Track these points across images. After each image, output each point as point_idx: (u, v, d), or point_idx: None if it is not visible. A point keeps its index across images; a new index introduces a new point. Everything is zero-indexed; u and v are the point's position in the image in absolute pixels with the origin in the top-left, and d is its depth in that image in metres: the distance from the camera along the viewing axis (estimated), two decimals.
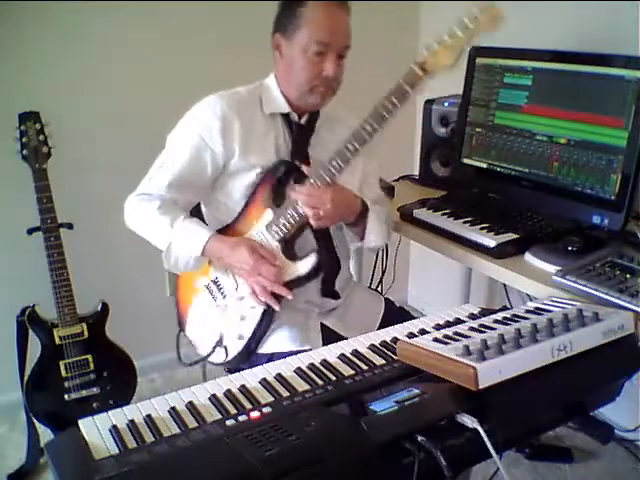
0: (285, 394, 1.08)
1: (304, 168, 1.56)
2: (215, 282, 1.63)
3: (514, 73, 1.88)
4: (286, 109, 1.60)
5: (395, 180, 2.33)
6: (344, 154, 1.49)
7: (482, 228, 1.73)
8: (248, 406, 1.06)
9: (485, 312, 1.36)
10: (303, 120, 1.63)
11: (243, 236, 1.59)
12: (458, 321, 1.31)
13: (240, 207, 1.61)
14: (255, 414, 1.00)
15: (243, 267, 1.53)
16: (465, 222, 1.77)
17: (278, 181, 1.57)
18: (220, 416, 1.03)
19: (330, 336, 1.57)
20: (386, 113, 1.47)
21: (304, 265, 1.55)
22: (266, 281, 1.51)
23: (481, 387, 0.96)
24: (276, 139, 1.60)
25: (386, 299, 1.81)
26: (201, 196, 1.66)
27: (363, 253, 2.29)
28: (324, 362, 1.19)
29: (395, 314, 1.71)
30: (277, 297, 1.54)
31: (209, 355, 1.60)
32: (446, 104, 2.16)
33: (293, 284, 1.55)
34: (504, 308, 1.38)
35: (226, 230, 1.62)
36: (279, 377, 1.14)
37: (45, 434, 2.18)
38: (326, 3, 1.50)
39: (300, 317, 1.61)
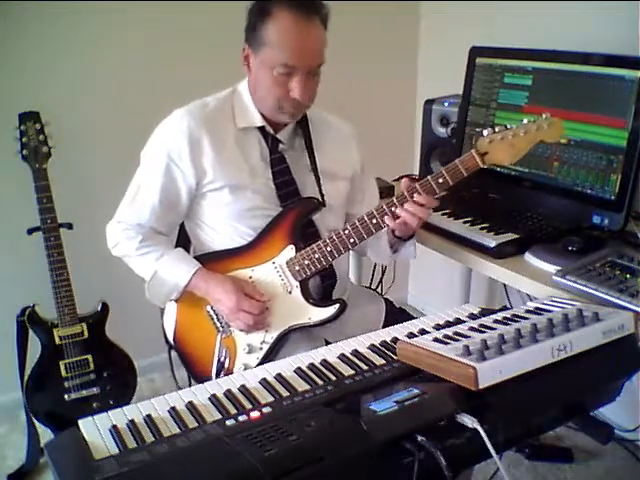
0: (285, 394, 1.08)
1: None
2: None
3: (514, 73, 1.88)
4: (260, 122, 1.53)
5: (395, 180, 2.33)
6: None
7: (482, 228, 1.73)
8: (248, 406, 1.06)
9: (485, 312, 1.36)
10: (282, 134, 1.56)
11: (246, 269, 1.54)
12: (458, 321, 1.31)
13: (234, 233, 1.55)
14: (255, 414, 1.00)
15: (226, 304, 1.49)
16: (465, 222, 1.77)
17: (307, 218, 1.54)
18: (220, 416, 1.03)
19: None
20: (436, 187, 1.43)
21: (326, 312, 1.51)
22: (249, 316, 1.48)
23: (481, 387, 0.96)
24: (250, 156, 1.53)
25: (386, 300, 1.80)
26: (182, 216, 1.62)
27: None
28: (324, 362, 1.19)
29: (396, 316, 1.68)
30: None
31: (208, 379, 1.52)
32: (446, 104, 2.15)
33: (308, 326, 1.52)
34: (504, 308, 1.39)
35: (228, 257, 1.56)
36: (279, 377, 1.14)
37: (45, 434, 2.18)
38: (293, 18, 1.38)
39: (307, 344, 1.54)
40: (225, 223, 1.56)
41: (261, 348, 1.53)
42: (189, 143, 1.48)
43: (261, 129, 1.54)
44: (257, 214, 1.55)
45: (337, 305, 1.51)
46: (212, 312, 1.57)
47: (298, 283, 1.53)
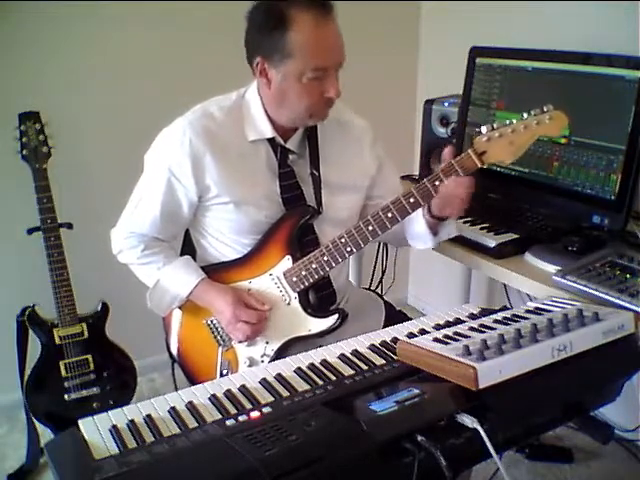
0: (285, 394, 1.08)
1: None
2: (219, 322, 1.54)
3: (514, 73, 1.88)
4: (271, 134, 1.47)
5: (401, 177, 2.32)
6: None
7: (482, 228, 1.73)
8: (248, 406, 1.06)
9: (485, 312, 1.36)
10: (291, 142, 1.51)
11: (243, 281, 1.52)
12: (458, 321, 1.31)
13: (236, 244, 1.53)
14: (255, 414, 1.00)
15: (225, 315, 1.48)
16: (465, 222, 1.77)
17: (302, 228, 1.50)
18: (220, 416, 1.03)
19: None
20: (433, 190, 1.38)
21: (326, 323, 1.49)
22: (246, 326, 1.46)
23: (481, 387, 0.96)
24: (256, 168, 1.49)
25: (386, 303, 1.78)
26: (185, 227, 1.61)
27: (363, 253, 2.29)
28: (324, 362, 1.19)
29: (396, 319, 1.59)
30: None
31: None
32: (446, 104, 2.15)
33: (309, 338, 1.50)
34: (504, 308, 1.39)
35: (226, 269, 1.55)
36: (279, 377, 1.14)
37: (45, 434, 2.18)
38: (313, 20, 1.32)
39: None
40: (229, 235, 1.54)
41: (262, 361, 1.51)
42: (191, 159, 1.43)
43: (270, 140, 1.49)
44: (262, 228, 1.51)
45: (336, 315, 1.49)
46: (212, 325, 1.55)
47: (296, 294, 1.50)
